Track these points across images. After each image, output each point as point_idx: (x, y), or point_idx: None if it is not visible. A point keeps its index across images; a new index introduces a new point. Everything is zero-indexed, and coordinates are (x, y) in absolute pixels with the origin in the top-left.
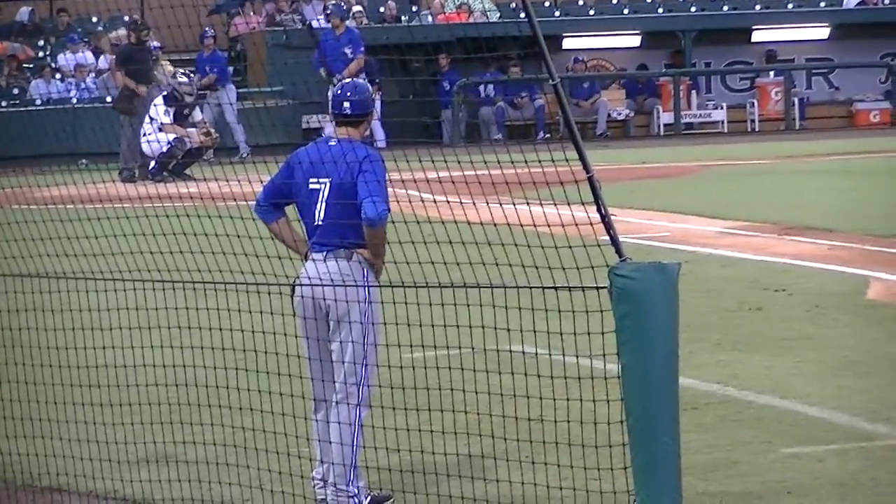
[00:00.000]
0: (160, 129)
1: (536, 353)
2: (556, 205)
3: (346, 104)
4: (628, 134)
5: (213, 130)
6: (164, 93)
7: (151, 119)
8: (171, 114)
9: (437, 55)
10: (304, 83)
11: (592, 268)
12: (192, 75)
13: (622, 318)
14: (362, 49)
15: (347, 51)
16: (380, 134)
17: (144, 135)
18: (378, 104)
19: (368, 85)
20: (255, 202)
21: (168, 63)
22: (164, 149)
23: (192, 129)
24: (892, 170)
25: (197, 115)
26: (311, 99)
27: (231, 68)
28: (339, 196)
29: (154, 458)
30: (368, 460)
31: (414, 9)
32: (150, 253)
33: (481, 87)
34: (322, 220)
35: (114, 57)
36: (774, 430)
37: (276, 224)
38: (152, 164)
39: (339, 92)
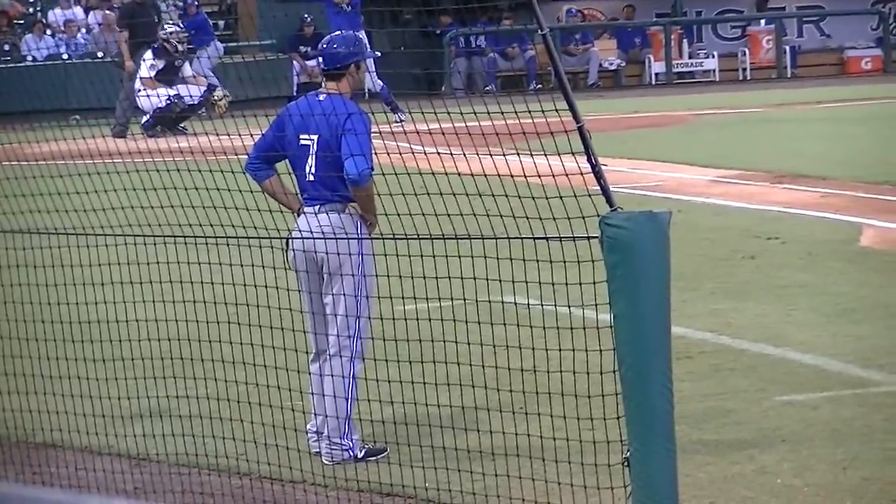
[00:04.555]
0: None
1: (528, 304)
2: (546, 155)
3: (320, 58)
4: (620, 84)
5: (225, 93)
6: (155, 46)
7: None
8: (156, 69)
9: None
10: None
11: (583, 218)
12: (180, 24)
13: (613, 268)
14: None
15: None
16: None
17: (140, 90)
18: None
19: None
20: (246, 159)
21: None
22: (163, 104)
23: (182, 85)
24: (883, 117)
25: (187, 69)
26: None
27: (222, 22)
28: (328, 151)
29: (148, 413)
30: (362, 413)
31: None
32: (143, 208)
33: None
34: (314, 175)
35: (108, 13)
36: (768, 378)
37: (268, 182)
38: (145, 118)
39: (322, 46)
